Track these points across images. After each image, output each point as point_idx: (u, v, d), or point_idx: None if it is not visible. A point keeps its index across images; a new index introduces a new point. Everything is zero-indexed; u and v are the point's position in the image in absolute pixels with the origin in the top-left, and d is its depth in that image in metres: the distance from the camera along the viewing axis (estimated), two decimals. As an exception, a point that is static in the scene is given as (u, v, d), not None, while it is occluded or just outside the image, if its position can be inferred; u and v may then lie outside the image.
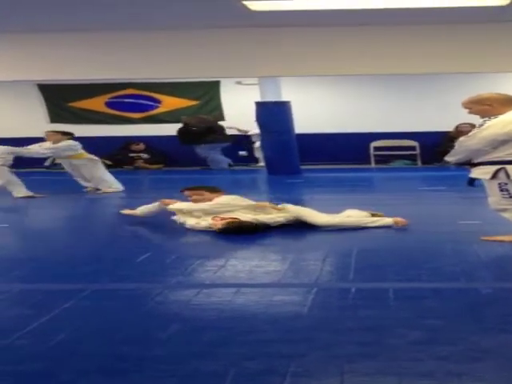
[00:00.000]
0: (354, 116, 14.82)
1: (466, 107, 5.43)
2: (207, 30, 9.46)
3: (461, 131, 14.92)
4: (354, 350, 2.94)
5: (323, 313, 3.55)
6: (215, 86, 14.97)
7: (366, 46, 9.53)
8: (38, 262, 5.07)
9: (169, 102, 15.33)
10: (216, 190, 6.69)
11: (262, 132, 13.35)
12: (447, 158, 5.65)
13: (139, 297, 3.99)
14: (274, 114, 12.90)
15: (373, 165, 15.03)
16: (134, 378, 2.69)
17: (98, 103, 15.41)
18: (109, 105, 15.43)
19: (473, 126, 16.60)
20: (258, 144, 14.62)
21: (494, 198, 5.24)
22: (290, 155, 13.15)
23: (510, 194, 5.14)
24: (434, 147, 14.81)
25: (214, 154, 14.74)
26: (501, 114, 5.14)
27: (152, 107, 15.42)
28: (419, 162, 15.07)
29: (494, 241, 5.32)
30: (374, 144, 15.10)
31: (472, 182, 5.49)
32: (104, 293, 4.07)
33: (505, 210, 5.28)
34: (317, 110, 14.78)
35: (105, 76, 11.03)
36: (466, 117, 15.63)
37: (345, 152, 14.78)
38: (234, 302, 3.79)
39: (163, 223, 6.58)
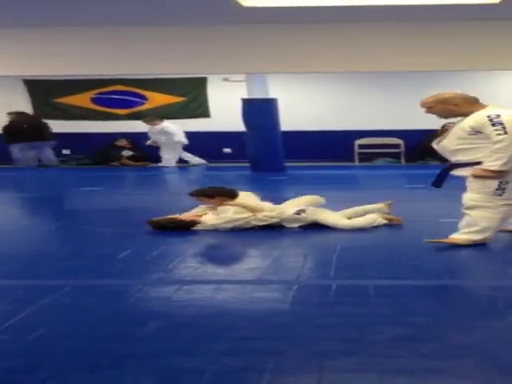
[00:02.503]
0: (338, 114, 14.84)
1: (426, 107, 5.26)
2: (195, 26, 9.42)
3: (446, 129, 15.03)
4: (334, 346, 2.93)
5: (303, 309, 3.54)
6: (202, 82, 14.94)
7: (353, 43, 9.52)
8: (19, 258, 5.03)
9: (155, 99, 15.28)
10: (219, 193, 6.29)
11: (247, 129, 13.33)
12: (501, 168, 4.95)
13: (119, 293, 3.96)
14: (260, 111, 12.89)
15: (357, 162, 15.05)
16: (113, 374, 2.67)
17: (83, 99, 15.33)
18: (95, 101, 15.35)
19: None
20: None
21: (477, 195, 5.10)
22: (275, 152, 13.15)
23: (503, 192, 5.03)
24: (418, 145, 14.87)
25: (45, 153, 14.61)
26: (465, 113, 5.06)
27: (138, 104, 15.36)
28: (403, 160, 15.12)
29: (437, 242, 5.18)
30: (358, 142, 15.13)
31: (440, 182, 5.40)
32: (84, 289, 4.05)
33: (477, 207, 5.11)
34: (302, 108, 14.79)
35: (91, 72, 10.96)
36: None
37: (329, 149, 14.80)
38: (214, 299, 3.77)
39: (145, 220, 6.56)
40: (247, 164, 13.52)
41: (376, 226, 6.03)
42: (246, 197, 6.40)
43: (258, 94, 12.95)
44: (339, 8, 8.34)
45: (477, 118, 4.99)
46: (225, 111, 14.61)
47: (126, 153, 15.15)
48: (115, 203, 8.89)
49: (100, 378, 2.64)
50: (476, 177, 5.02)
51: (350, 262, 4.68)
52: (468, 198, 5.17)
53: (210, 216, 6.07)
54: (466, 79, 14.28)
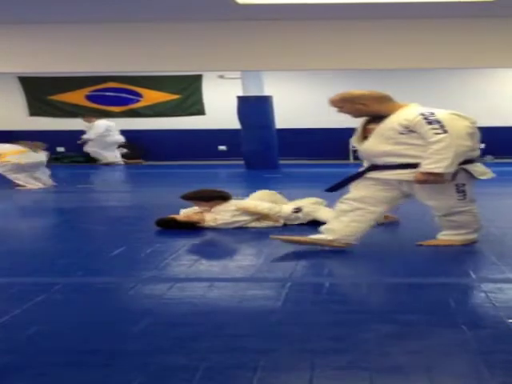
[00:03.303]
0: (333, 111, 14.81)
1: (335, 106, 5.01)
2: (190, 24, 9.40)
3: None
4: (326, 344, 2.93)
5: (296, 307, 3.54)
6: (197, 79, 14.94)
7: (349, 40, 9.51)
8: (12, 255, 5.03)
9: (150, 96, 15.28)
10: (212, 196, 6.23)
11: (242, 127, 13.33)
12: (447, 170, 4.67)
13: (112, 291, 3.97)
14: (255, 109, 12.90)
15: (351, 160, 15.06)
16: (104, 372, 2.67)
17: (78, 96, 15.32)
18: (89, 98, 15.35)
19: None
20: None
21: (450, 202, 4.89)
22: (270, 150, 13.17)
23: (465, 195, 4.86)
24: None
25: None
26: (375, 112, 4.84)
27: (133, 101, 15.36)
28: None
29: (429, 245, 5.06)
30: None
31: (339, 187, 5.11)
32: (77, 287, 4.05)
33: (458, 213, 4.95)
34: (297, 105, 14.80)
35: (85, 69, 10.93)
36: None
37: (324, 147, 14.81)
38: (206, 297, 3.77)
39: (140, 218, 6.57)
40: (242, 162, 13.53)
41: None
42: (266, 196, 6.42)
43: (253, 92, 12.96)
44: (335, 5, 8.33)
45: (408, 116, 4.71)
46: (220, 109, 14.62)
47: (121, 150, 15.14)
48: (108, 200, 8.90)
49: (91, 375, 2.63)
50: (420, 182, 4.71)
51: (343, 260, 4.68)
52: (445, 205, 4.94)
53: (209, 216, 6.06)
54: (463, 76, 14.33)
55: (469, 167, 4.79)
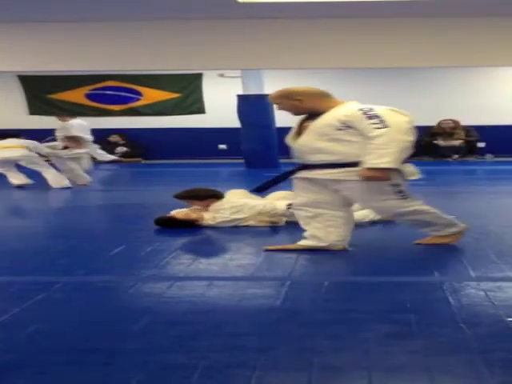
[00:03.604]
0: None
1: (274, 102, 4.91)
2: (190, 22, 9.40)
3: (443, 127, 15.04)
4: (325, 343, 2.94)
5: (296, 306, 3.54)
6: (197, 78, 14.92)
7: (350, 39, 9.51)
8: (11, 254, 5.04)
9: (150, 95, 15.27)
10: (207, 195, 6.22)
11: (242, 125, 13.33)
12: (392, 165, 4.55)
13: (112, 289, 3.97)
14: (255, 108, 12.89)
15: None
16: (104, 370, 2.67)
17: (78, 95, 15.30)
18: (89, 97, 15.33)
19: (455, 122, 16.69)
20: None
21: (391, 202, 4.76)
22: (270, 149, 13.15)
23: (404, 194, 4.75)
24: (416, 142, 14.85)
25: None
26: (311, 109, 4.72)
27: (133, 99, 15.34)
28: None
29: (427, 243, 5.01)
30: (354, 138, 15.14)
31: (268, 187, 5.04)
32: (77, 285, 4.05)
33: (409, 214, 4.82)
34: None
35: (85, 68, 10.94)
36: (449, 112, 15.80)
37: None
38: (206, 295, 3.77)
39: (139, 216, 6.57)
40: (242, 161, 13.52)
41: (370, 222, 6.03)
42: (238, 195, 6.39)
43: (253, 90, 12.95)
44: (335, 3, 8.34)
45: (347, 112, 4.60)
46: (220, 107, 14.61)
47: (121, 149, 15.15)
48: (107, 199, 8.91)
49: (91, 373, 2.64)
50: (366, 179, 4.56)
51: (343, 259, 4.69)
52: (392, 206, 4.79)
53: (207, 215, 6.06)
54: (464, 75, 14.32)
55: (401, 167, 4.67)
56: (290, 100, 4.77)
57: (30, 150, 10.07)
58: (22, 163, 10.11)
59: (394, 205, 4.77)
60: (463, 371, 2.64)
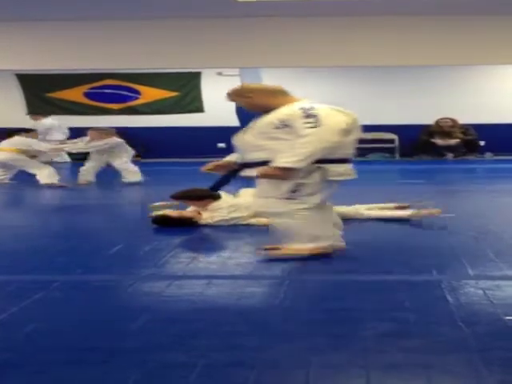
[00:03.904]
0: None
1: (230, 100, 4.86)
2: (189, 21, 9.41)
3: (441, 126, 15.04)
4: (323, 341, 2.94)
5: (294, 305, 3.55)
6: (196, 77, 14.90)
7: (348, 37, 9.52)
8: (10, 253, 5.03)
9: (148, 93, 15.24)
10: (203, 195, 6.12)
11: (241, 124, 13.32)
12: (294, 165, 4.38)
13: (111, 288, 3.97)
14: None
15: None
16: (102, 369, 2.67)
17: (76, 94, 15.28)
18: (88, 95, 15.31)
19: (453, 121, 16.67)
20: None
21: (271, 199, 4.58)
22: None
23: (298, 195, 4.51)
24: (413, 140, 14.88)
25: None
26: (262, 105, 4.62)
27: (131, 98, 15.32)
28: (397, 155, 15.13)
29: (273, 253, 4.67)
30: (352, 137, 15.13)
31: (220, 186, 4.96)
32: (75, 284, 4.05)
33: (280, 215, 4.61)
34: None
35: (84, 66, 10.95)
36: (446, 111, 15.80)
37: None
38: (205, 294, 3.78)
39: (137, 215, 6.57)
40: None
41: (364, 218, 6.07)
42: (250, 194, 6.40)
43: (251, 89, 12.93)
44: (334, 2, 8.35)
45: (287, 111, 4.51)
46: (219, 106, 14.54)
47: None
48: (105, 198, 8.90)
49: (90, 372, 2.63)
50: (264, 176, 4.48)
51: (341, 257, 4.68)
52: (258, 204, 4.71)
53: (206, 214, 6.06)
54: (463, 73, 14.30)
55: (327, 166, 4.52)
56: (241, 97, 4.77)
57: (22, 152, 10.02)
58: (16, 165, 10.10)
59: (273, 203, 4.60)
60: (462, 370, 2.64)
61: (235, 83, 13.51)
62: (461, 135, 14.99)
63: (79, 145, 10.54)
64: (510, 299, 3.61)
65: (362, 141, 16.34)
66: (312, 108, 4.46)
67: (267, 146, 4.51)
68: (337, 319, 3.26)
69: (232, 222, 5.96)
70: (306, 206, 4.55)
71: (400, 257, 4.69)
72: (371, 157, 14.94)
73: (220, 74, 14.67)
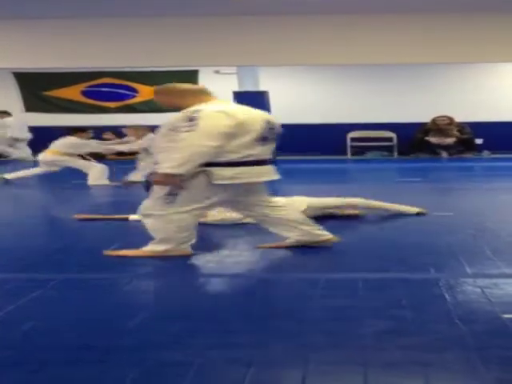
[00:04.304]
0: (330, 106, 14.84)
1: (155, 99, 4.92)
2: (186, 18, 9.39)
3: (437, 124, 15.04)
4: (321, 339, 2.93)
5: (291, 303, 3.54)
6: (193, 75, 14.89)
7: (347, 35, 9.51)
8: (7, 251, 5.02)
9: (146, 92, 15.22)
10: None
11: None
12: (173, 171, 4.35)
13: (107, 286, 3.96)
14: (251, 104, 12.82)
15: (349, 156, 15.06)
16: (99, 367, 2.67)
17: (74, 92, 15.28)
18: (85, 94, 15.31)
19: (450, 119, 16.67)
20: None
21: (150, 201, 4.61)
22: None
23: (174, 199, 4.48)
24: (411, 138, 14.88)
25: None
26: (176, 105, 4.60)
27: (129, 96, 15.31)
28: (395, 154, 15.14)
29: (119, 255, 4.68)
30: (350, 135, 15.13)
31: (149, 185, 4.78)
32: (72, 282, 4.04)
33: (150, 216, 4.61)
34: (293, 101, 14.78)
35: (81, 65, 10.93)
36: (445, 109, 15.81)
37: (321, 143, 14.81)
38: (202, 292, 3.78)
39: (134, 213, 6.54)
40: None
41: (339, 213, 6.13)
42: None
43: (249, 87, 12.94)
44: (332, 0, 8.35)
45: (181, 113, 4.48)
46: (216, 104, 14.58)
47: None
48: (102, 196, 8.89)
49: (86, 371, 2.63)
50: (156, 183, 4.51)
51: (339, 255, 4.68)
52: (143, 205, 4.68)
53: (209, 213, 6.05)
54: (462, 71, 14.29)
55: (212, 170, 4.45)
56: (159, 96, 4.81)
57: (68, 154, 9.91)
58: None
59: (151, 205, 4.61)
60: (459, 368, 2.64)
61: (233, 81, 13.61)
62: (457, 133, 14.98)
63: (129, 144, 10.46)
64: (508, 297, 3.61)
65: (360, 139, 16.49)
66: (198, 110, 4.39)
67: (167, 149, 4.47)
68: (334, 317, 3.26)
69: (232, 221, 5.93)
70: (182, 209, 4.53)
71: (398, 255, 4.69)
72: (369, 155, 14.95)
73: (217, 72, 14.65)
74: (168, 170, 4.35)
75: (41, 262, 4.61)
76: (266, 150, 4.67)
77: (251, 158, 4.54)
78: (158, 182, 4.47)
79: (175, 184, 4.41)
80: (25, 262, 4.63)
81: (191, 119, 4.34)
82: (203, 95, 4.65)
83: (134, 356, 2.77)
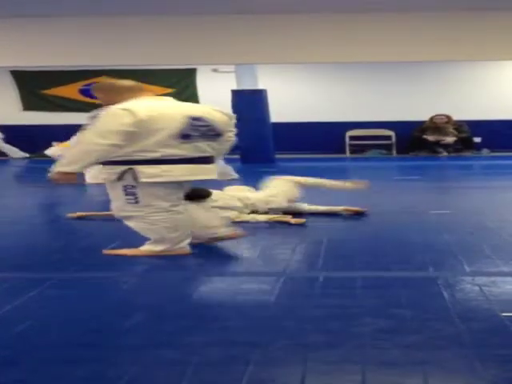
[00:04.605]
0: (329, 105, 14.83)
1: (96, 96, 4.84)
2: (184, 17, 9.38)
3: (435, 122, 15.03)
4: (319, 338, 2.93)
5: (290, 301, 3.54)
6: (191, 73, 14.90)
7: (345, 33, 9.49)
8: (5, 250, 5.01)
9: (144, 90, 15.20)
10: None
11: (237, 121, 13.29)
12: (63, 169, 4.37)
13: (106, 285, 3.95)
14: (249, 103, 12.87)
15: (348, 154, 15.05)
16: (97, 366, 2.66)
17: (71, 90, 15.27)
18: (83, 92, 15.29)
19: (448, 117, 16.68)
20: None
21: (118, 202, 4.59)
22: (265, 144, 13.15)
23: (136, 199, 4.48)
24: (409, 137, 14.87)
25: None
26: (107, 102, 4.54)
27: (127, 95, 15.28)
28: (394, 152, 15.13)
29: (117, 255, 4.70)
30: (349, 133, 15.13)
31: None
32: (70, 282, 4.04)
33: (129, 218, 4.63)
34: (292, 99, 14.78)
35: (79, 63, 10.91)
36: (444, 107, 15.81)
37: (320, 141, 14.80)
38: (201, 290, 3.78)
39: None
40: (238, 156, 13.48)
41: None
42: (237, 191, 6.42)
43: (247, 85, 12.93)
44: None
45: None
46: (214, 103, 14.50)
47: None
48: (100, 195, 8.87)
49: (84, 369, 2.62)
50: (55, 181, 4.49)
51: (338, 254, 4.68)
52: (115, 206, 4.66)
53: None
54: (467, 68, 14.29)
55: (139, 168, 4.40)
56: (97, 93, 4.75)
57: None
58: None
59: (121, 206, 4.59)
60: (457, 366, 2.63)
61: (231, 80, 13.59)
62: (454, 132, 14.96)
63: None
64: (506, 295, 3.61)
65: (358, 137, 16.49)
66: (105, 109, 4.38)
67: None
68: (333, 316, 3.25)
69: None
70: (153, 209, 4.52)
71: (396, 253, 4.68)
72: (368, 154, 14.95)
73: (215, 70, 14.65)
74: (59, 168, 4.36)
75: (38, 261, 4.61)
76: (196, 148, 4.53)
77: (175, 157, 4.45)
78: (54, 180, 4.45)
79: (70, 181, 4.41)
80: (22, 260, 4.62)
81: (95, 117, 4.38)
82: (140, 92, 4.60)
83: (132, 354, 2.77)
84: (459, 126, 15.01)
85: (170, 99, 4.81)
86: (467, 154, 14.83)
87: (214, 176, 4.75)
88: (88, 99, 15.17)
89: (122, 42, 9.71)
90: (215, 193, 6.00)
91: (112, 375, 2.57)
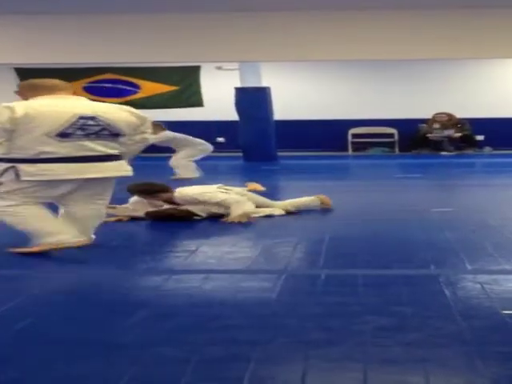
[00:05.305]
0: (332, 102, 14.83)
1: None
2: (188, 14, 9.38)
3: (437, 121, 15.02)
4: (320, 336, 2.93)
5: (291, 299, 3.54)
6: (195, 71, 14.86)
7: (349, 31, 9.50)
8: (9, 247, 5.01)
9: (148, 88, 15.18)
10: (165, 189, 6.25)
11: (240, 118, 13.31)
12: None
13: (107, 283, 3.96)
14: (253, 100, 12.88)
15: (350, 152, 15.05)
16: (99, 364, 2.66)
17: (75, 88, 15.23)
18: (87, 89, 15.25)
19: (450, 116, 16.71)
20: None
21: None
22: (268, 142, 13.16)
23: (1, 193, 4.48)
24: (412, 134, 14.87)
25: None
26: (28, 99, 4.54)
27: (131, 92, 15.26)
28: (396, 150, 15.13)
29: (24, 252, 4.62)
30: (351, 131, 15.12)
31: None
32: (72, 279, 4.04)
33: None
34: (295, 97, 14.78)
35: (83, 60, 10.92)
36: (447, 105, 15.80)
37: (322, 139, 14.80)
38: (202, 289, 3.77)
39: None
40: (240, 154, 13.50)
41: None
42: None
43: (250, 83, 12.94)
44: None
45: None
46: (218, 100, 14.57)
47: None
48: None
49: (86, 367, 2.63)
50: None
51: (339, 251, 4.68)
52: None
53: (196, 207, 6.04)
54: (470, 67, 14.26)
55: (19, 166, 4.40)
56: (19, 91, 4.76)
57: None
58: None
59: None
60: (458, 363, 2.63)
61: (235, 77, 13.59)
62: (455, 130, 14.94)
63: None
64: (508, 293, 3.61)
65: (361, 135, 16.54)
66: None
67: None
68: (334, 313, 3.25)
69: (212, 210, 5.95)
70: (12, 203, 4.50)
71: (398, 251, 4.68)
72: (370, 151, 14.94)
73: (219, 68, 14.65)
74: None
75: (39, 259, 4.57)
76: (81, 147, 4.50)
77: (55, 155, 4.43)
78: None
79: None
80: (23, 258, 4.60)
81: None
82: (57, 91, 4.58)
83: (133, 352, 2.76)
84: (461, 124, 15.00)
85: (74, 98, 4.72)
86: (469, 151, 14.82)
87: (115, 174, 4.69)
88: (92, 96, 15.16)
89: (125, 39, 9.72)
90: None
91: (113, 373, 2.56)
